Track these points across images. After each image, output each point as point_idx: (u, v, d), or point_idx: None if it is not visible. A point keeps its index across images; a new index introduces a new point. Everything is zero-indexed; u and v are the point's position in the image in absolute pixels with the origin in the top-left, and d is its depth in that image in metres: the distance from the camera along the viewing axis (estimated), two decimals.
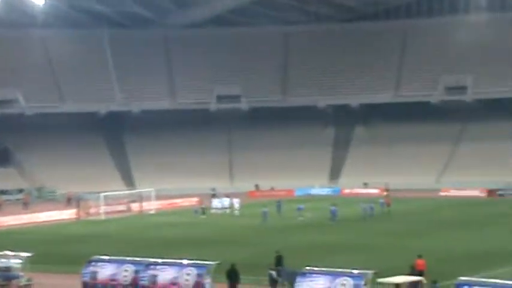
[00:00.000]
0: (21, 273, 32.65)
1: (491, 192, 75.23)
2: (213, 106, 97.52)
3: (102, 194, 66.13)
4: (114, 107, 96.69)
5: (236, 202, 63.68)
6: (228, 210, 63.98)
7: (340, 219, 54.37)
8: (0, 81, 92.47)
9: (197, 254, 34.74)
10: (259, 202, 69.99)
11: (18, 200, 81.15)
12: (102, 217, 63.66)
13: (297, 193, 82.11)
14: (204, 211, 62.50)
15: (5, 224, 59.46)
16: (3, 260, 32.94)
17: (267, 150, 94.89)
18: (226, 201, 65.25)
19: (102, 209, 64.99)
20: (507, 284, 24.13)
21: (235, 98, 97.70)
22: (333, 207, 54.69)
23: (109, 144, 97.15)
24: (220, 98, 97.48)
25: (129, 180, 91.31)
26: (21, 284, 32.44)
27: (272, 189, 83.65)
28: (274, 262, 32.09)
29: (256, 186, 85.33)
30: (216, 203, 65.76)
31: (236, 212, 62.51)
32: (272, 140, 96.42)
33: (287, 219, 57.04)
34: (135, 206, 69.72)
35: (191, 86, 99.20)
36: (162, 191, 77.58)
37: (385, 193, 70.20)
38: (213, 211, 64.29)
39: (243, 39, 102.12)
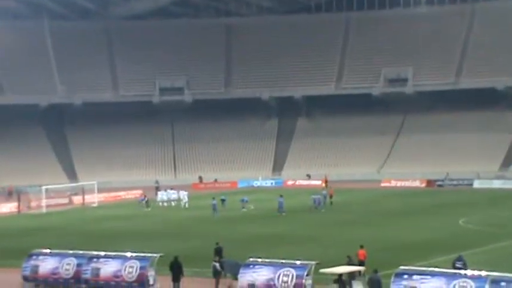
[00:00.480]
0: None
1: (430, 182, 76.63)
2: (156, 98, 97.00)
3: (44, 187, 65.31)
4: (56, 99, 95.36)
5: (184, 195, 63.27)
6: (174, 203, 63.67)
7: (285, 211, 54.62)
8: None
9: (140, 247, 34.57)
10: (204, 194, 69.99)
11: None
12: (44, 210, 62.85)
13: (240, 185, 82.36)
14: (147, 204, 62.12)
15: None
16: None
17: (210, 142, 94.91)
18: (173, 194, 64.77)
19: (44, 202, 64.15)
20: (445, 272, 24.66)
21: (179, 90, 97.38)
22: (280, 199, 54.88)
23: (50, 137, 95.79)
24: (163, 90, 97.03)
25: (71, 173, 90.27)
26: None
27: (216, 181, 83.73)
28: (214, 254, 32.16)
29: (200, 178, 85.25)
30: (161, 195, 65.35)
31: (185, 204, 62.18)
32: (216, 132, 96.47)
33: (231, 210, 57.12)
34: (77, 199, 69.08)
35: (134, 78, 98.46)
36: (104, 183, 76.98)
37: (323, 184, 71.03)
38: (159, 204, 63.92)
39: (186, 31, 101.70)
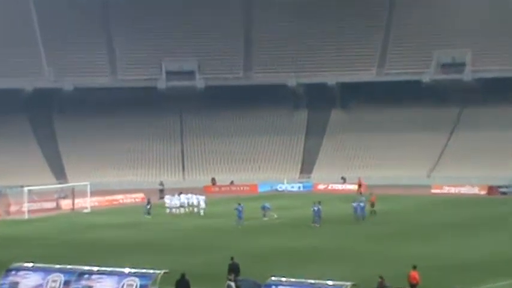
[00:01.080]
0: None
1: (492, 189, 76.01)
2: (162, 84, 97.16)
3: (26, 188, 65.37)
4: (42, 84, 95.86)
5: (201, 200, 62.55)
6: (187, 209, 62.92)
7: (319, 222, 54.45)
8: None
9: (141, 262, 34.58)
10: (218, 199, 69.89)
11: None
12: (26, 216, 63.13)
13: (261, 189, 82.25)
14: (149, 211, 61.99)
15: None
16: None
17: (225, 137, 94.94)
18: (186, 199, 63.83)
19: (26, 206, 64.31)
20: None
21: (189, 74, 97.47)
22: (316, 207, 54.70)
23: (35, 128, 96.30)
24: (170, 74, 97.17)
25: (59, 171, 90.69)
26: None
27: (232, 184, 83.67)
28: (228, 271, 32.11)
29: (213, 180, 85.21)
30: (171, 200, 64.23)
31: (200, 211, 61.70)
32: (232, 125, 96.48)
33: (250, 219, 57.04)
34: (66, 203, 69.30)
35: (135, 60, 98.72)
36: (98, 185, 77.15)
37: (359, 189, 70.87)
38: (167, 210, 63.30)
39: (198, 5, 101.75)
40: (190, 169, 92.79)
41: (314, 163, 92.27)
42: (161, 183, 78.32)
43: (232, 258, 33.28)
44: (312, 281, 27.11)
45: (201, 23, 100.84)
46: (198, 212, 61.94)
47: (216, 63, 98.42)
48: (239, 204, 55.91)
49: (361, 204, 57.70)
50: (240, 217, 54.89)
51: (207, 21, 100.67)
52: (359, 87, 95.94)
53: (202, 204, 62.36)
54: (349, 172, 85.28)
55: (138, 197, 74.30)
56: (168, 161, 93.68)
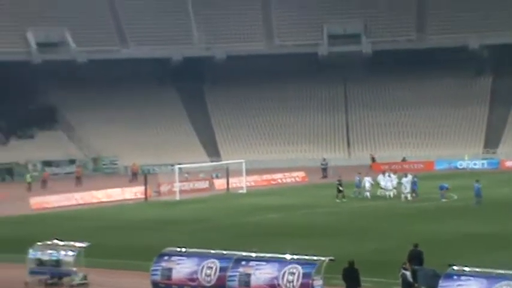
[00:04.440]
0: (73, 269, 33.42)
1: None
2: (323, 49, 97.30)
3: (177, 167, 66.77)
4: (192, 52, 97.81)
5: (406, 181, 58.51)
6: (391, 193, 59.70)
7: (490, 202, 53.36)
8: (44, 18, 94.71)
9: (304, 247, 34.73)
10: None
11: (68, 174, 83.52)
12: (177, 197, 64.58)
13: (438, 166, 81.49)
14: (342, 192, 59.25)
15: (53, 205, 61.19)
16: (51, 252, 33.78)
17: (396, 108, 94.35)
18: (393, 179, 59.83)
19: (177, 186, 65.59)
20: None
21: (354, 38, 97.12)
22: (476, 185, 53.85)
23: (185, 101, 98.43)
24: (333, 39, 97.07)
25: (212, 148, 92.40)
26: (74, 282, 33.20)
27: (404, 160, 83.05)
28: (408, 259, 31.78)
29: (373, 158, 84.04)
30: (384, 181, 60.28)
31: (407, 196, 58.26)
32: (403, 94, 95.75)
33: (424, 201, 56.46)
34: (219, 183, 70.38)
35: (293, 23, 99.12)
36: (254, 163, 78.15)
37: None
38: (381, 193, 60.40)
39: None
40: (356, 145, 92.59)
41: (500, 136, 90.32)
42: (324, 161, 78.63)
43: (416, 246, 32.80)
44: (501, 272, 26.59)
45: None
46: (406, 197, 58.36)
47: (384, 25, 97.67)
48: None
49: None
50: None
51: None
52: None
53: (407, 188, 58.33)
54: None
55: (299, 175, 74.82)
56: (331, 136, 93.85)
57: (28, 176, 76.42)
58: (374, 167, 79.90)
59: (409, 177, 59.21)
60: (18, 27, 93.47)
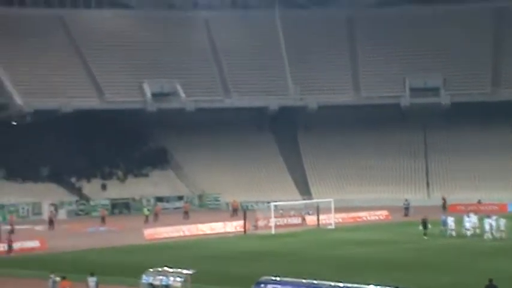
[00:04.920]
0: None
1: None
2: (406, 100, 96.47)
3: (273, 204, 66.85)
4: (287, 102, 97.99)
5: (501, 222, 56.21)
6: (473, 231, 57.48)
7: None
8: (158, 71, 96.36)
9: (387, 279, 34.33)
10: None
11: (177, 208, 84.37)
12: (272, 231, 64.63)
13: (510, 208, 79.25)
14: (425, 228, 58.13)
15: (163, 235, 61.85)
16: (161, 278, 34.12)
17: (471, 154, 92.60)
18: (491, 221, 56.79)
19: (273, 221, 65.75)
20: None
21: (433, 90, 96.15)
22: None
23: (281, 145, 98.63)
24: (414, 91, 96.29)
25: (304, 187, 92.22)
26: None
27: (479, 202, 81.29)
28: None
29: (444, 200, 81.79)
30: (467, 222, 58.28)
31: (489, 235, 55.99)
32: (478, 142, 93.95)
33: (502, 240, 55.15)
34: (310, 219, 70.24)
35: (379, 76, 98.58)
36: (341, 201, 77.72)
37: None
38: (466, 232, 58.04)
39: (446, 18, 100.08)
40: (435, 187, 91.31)
41: None
42: (406, 201, 77.73)
43: (491, 280, 32.01)
44: None
45: (448, 37, 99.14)
46: (489, 236, 56.15)
47: (462, 78, 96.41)
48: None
49: None
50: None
51: (454, 36, 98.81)
52: None
53: (500, 226, 56.14)
54: None
55: (382, 214, 74.14)
56: (412, 179, 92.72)
57: (146, 209, 77.44)
58: (450, 209, 78.34)
59: (494, 217, 56.89)
60: (136, 79, 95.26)
